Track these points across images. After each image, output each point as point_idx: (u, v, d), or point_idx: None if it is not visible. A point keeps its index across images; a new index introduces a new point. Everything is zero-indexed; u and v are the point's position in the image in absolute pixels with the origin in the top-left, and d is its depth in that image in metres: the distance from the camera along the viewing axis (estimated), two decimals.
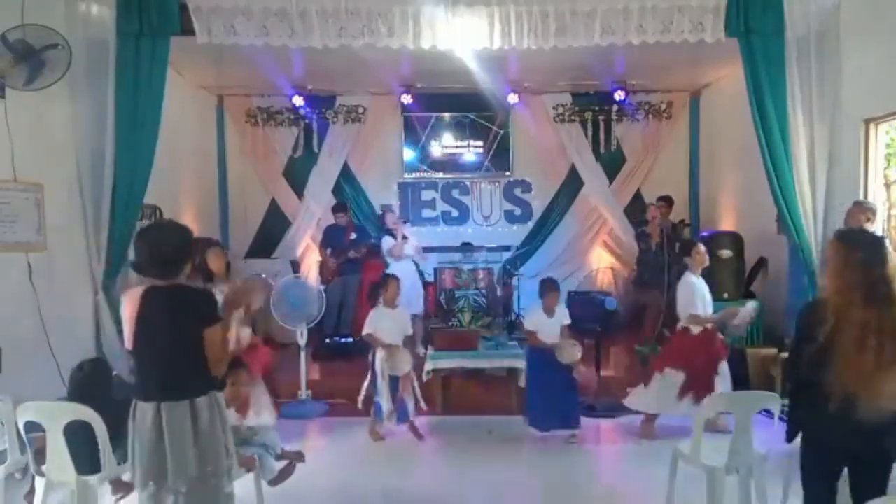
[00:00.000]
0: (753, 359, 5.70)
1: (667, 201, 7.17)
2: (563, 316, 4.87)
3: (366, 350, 5.03)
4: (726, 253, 6.49)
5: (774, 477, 3.33)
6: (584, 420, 4.92)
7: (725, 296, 6.20)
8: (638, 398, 4.85)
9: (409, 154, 8.84)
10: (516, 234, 8.82)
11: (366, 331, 4.86)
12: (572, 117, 8.60)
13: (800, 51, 5.27)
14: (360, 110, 8.55)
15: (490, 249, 7.93)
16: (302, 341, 5.66)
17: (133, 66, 4.99)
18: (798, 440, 2.61)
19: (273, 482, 3.55)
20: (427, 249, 7.41)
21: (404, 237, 6.84)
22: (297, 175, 8.60)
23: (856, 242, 2.55)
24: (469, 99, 8.21)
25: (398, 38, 5.12)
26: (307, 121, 8.49)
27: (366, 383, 4.89)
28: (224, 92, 8.34)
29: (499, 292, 7.40)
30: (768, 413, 3.28)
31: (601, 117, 8.61)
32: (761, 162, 5.37)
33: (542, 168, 8.83)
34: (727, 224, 7.70)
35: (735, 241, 6.70)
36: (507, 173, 8.86)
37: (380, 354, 4.74)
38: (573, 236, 8.86)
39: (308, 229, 8.51)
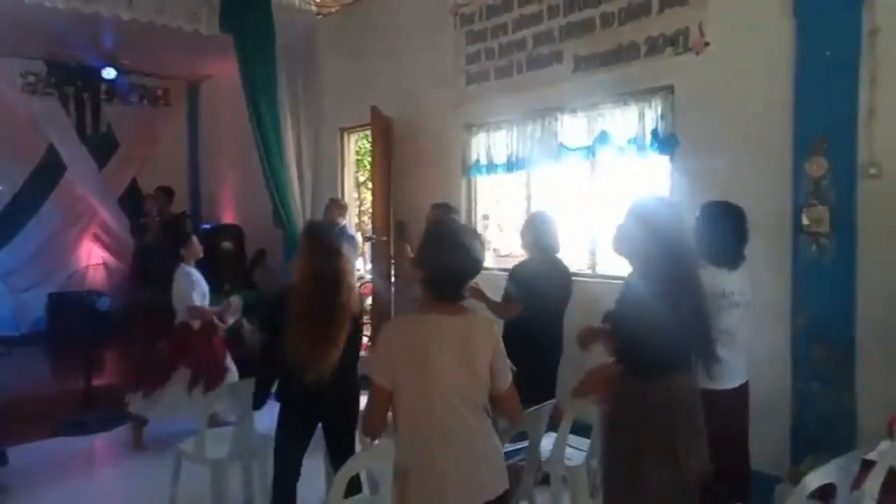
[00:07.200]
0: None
1: (166, 192, 6.85)
2: None
3: None
4: (227, 245, 6.67)
5: None
6: (72, 440, 4.27)
7: (227, 287, 6.32)
8: (142, 402, 4.47)
9: None
10: None
11: None
12: (48, 90, 7.37)
13: (288, 59, 5.76)
14: None
15: None
16: None
17: None
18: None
19: None
20: None
21: None
22: None
23: (314, 235, 2.84)
24: None
25: None
26: None
27: None
28: None
29: None
30: None
31: (87, 95, 7.65)
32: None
33: (9, 147, 7.23)
34: (228, 217, 7.88)
35: (236, 233, 6.95)
36: None
37: None
38: (55, 229, 7.62)
39: None
